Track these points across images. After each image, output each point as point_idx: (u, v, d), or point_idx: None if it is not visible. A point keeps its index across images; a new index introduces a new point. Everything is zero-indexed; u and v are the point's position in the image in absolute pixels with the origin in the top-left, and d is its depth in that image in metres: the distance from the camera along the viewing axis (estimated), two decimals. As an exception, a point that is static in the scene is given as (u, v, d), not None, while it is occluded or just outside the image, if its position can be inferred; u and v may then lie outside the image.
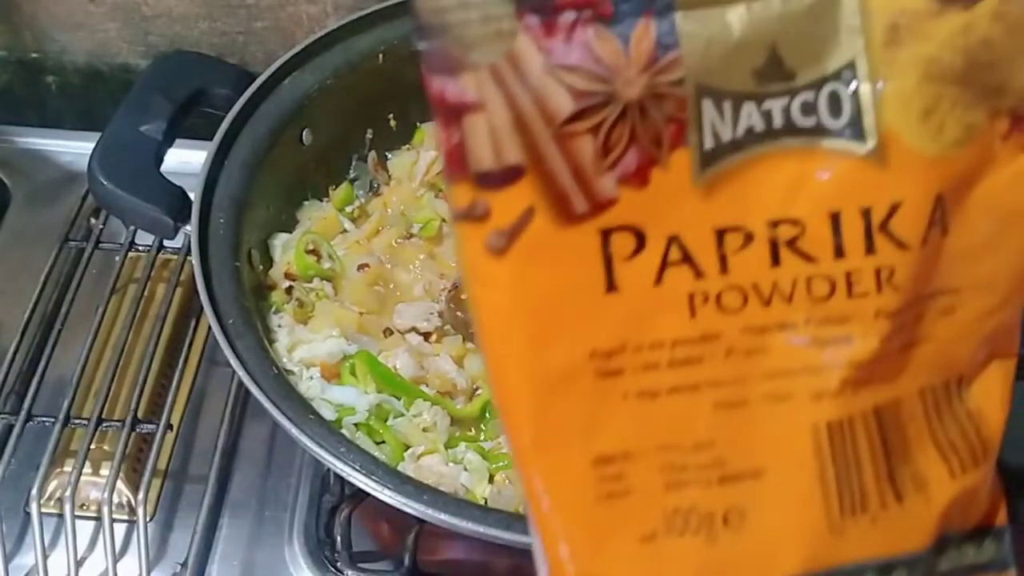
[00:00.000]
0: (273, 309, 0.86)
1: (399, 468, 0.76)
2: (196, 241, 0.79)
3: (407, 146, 1.03)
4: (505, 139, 0.37)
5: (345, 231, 0.96)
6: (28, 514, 0.83)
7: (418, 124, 1.03)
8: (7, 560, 0.83)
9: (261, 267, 0.88)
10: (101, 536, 0.84)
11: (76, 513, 0.82)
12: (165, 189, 0.83)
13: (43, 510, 0.83)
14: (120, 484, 0.87)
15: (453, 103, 0.36)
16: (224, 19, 1.18)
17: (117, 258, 1.01)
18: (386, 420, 0.81)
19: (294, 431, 0.70)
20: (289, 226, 0.94)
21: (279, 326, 0.85)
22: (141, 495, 0.83)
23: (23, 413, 0.87)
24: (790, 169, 0.38)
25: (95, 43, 1.22)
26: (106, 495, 0.82)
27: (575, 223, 0.38)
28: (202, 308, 0.75)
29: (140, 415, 0.88)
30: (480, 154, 0.37)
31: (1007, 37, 0.38)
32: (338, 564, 0.87)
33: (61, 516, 0.83)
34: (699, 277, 0.39)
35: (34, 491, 0.82)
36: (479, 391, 0.85)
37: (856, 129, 0.38)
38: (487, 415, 0.84)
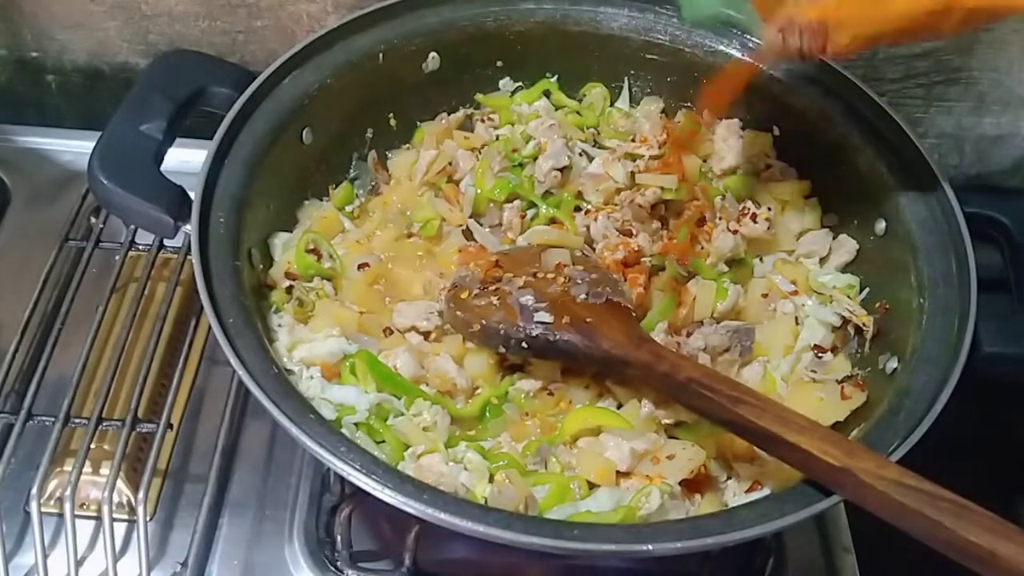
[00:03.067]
0: (273, 308, 0.86)
1: (399, 468, 0.76)
2: (196, 240, 0.79)
3: (407, 145, 1.03)
4: None
5: (345, 230, 0.96)
6: (28, 513, 0.83)
7: (418, 123, 1.03)
8: (7, 559, 0.83)
9: (261, 266, 0.88)
10: (101, 536, 0.84)
11: (76, 512, 0.83)
12: (165, 188, 0.83)
13: (43, 509, 0.83)
14: (120, 484, 0.87)
15: None
16: (224, 18, 1.18)
17: (117, 257, 1.01)
18: (386, 419, 0.81)
19: (294, 430, 0.70)
20: (289, 225, 0.94)
21: (279, 325, 0.85)
22: (141, 495, 0.83)
23: (23, 412, 0.87)
24: None
25: (95, 42, 1.22)
26: (106, 494, 0.82)
27: None
28: (202, 307, 0.75)
29: (140, 414, 0.88)
30: None
31: None
32: (338, 564, 0.87)
33: (61, 516, 0.83)
34: None
35: (34, 490, 0.82)
36: (479, 390, 0.85)
37: None
38: (487, 415, 0.84)
